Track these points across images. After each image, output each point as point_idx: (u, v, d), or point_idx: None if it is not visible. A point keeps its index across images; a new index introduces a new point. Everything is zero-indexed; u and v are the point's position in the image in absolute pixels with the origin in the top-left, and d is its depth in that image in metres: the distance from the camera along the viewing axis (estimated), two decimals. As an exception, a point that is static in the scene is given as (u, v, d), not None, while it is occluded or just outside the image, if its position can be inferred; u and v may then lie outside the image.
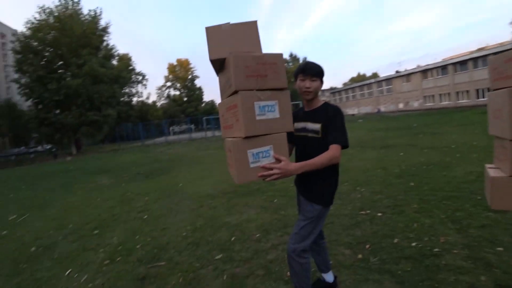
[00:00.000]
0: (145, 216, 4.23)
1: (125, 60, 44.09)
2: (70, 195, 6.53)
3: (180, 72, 60.38)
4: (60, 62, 24.78)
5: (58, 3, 24.96)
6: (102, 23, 27.56)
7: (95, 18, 26.65)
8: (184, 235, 3.32)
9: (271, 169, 1.32)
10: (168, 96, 61.02)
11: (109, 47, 29.07)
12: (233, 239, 3.04)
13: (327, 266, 1.95)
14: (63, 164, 15.63)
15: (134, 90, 47.24)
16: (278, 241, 2.84)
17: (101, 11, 28.81)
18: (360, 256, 2.37)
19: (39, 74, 23.32)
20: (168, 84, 60.79)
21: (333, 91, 60.41)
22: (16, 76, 25.83)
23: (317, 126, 1.59)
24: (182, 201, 4.83)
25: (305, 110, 1.71)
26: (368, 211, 3.33)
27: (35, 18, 24.15)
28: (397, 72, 42.38)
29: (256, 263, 2.47)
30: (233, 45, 1.37)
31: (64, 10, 25.00)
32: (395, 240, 2.56)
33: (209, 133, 30.12)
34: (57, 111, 25.03)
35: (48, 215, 4.97)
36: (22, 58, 23.90)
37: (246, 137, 1.30)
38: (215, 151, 13.16)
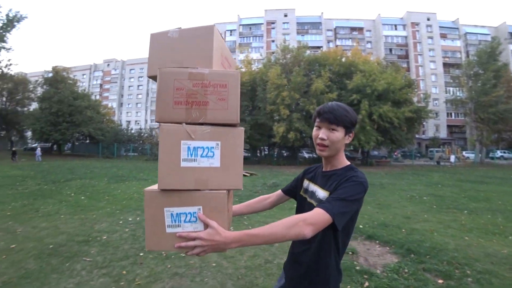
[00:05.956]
0: None
1: None
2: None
3: None
4: None
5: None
6: None
7: None
8: None
9: (193, 239, 0.90)
10: None
11: None
12: None
13: None
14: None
15: None
16: None
17: None
18: None
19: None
20: None
21: None
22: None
23: (325, 195, 1.09)
24: None
25: (322, 170, 1.22)
26: None
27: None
28: None
29: None
30: (178, 58, 1.01)
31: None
32: None
33: None
34: None
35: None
36: None
37: (164, 190, 0.94)
38: None
